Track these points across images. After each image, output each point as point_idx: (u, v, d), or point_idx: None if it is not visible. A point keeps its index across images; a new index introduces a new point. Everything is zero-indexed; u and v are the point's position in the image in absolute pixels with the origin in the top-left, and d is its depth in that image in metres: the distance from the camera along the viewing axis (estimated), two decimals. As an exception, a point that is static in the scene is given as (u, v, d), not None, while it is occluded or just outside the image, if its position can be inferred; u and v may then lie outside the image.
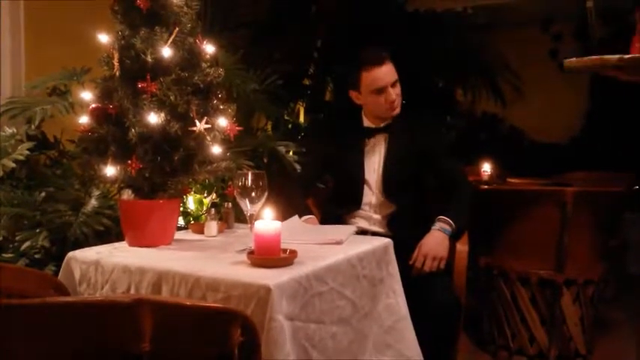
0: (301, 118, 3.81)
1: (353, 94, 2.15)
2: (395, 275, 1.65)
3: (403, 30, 3.51)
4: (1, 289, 1.24)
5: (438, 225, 1.95)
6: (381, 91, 2.06)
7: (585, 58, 1.19)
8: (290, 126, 3.46)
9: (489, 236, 2.64)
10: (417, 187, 2.13)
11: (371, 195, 2.15)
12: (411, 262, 1.89)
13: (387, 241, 1.67)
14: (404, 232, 2.01)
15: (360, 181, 2.15)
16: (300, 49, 3.49)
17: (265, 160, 2.60)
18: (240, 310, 1.07)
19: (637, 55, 1.10)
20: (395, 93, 2.07)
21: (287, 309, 1.20)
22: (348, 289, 1.43)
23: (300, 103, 3.73)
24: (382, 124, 2.16)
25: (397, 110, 2.10)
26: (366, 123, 2.19)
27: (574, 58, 1.22)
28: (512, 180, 3.16)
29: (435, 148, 2.13)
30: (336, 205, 2.22)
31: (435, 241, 1.91)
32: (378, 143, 2.17)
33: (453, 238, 1.98)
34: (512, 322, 2.55)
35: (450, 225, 1.95)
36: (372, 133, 2.17)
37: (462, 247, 2.08)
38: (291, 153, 2.67)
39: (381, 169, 2.13)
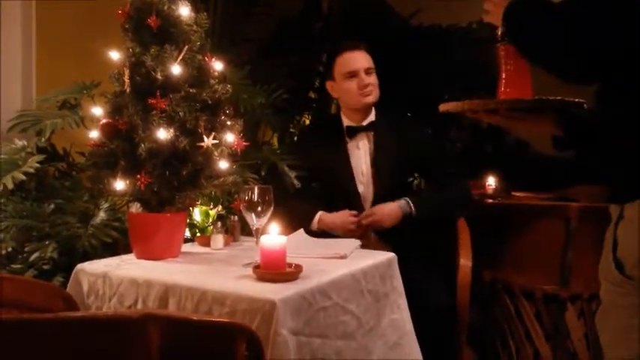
0: (307, 131, 3.84)
1: (329, 84, 2.10)
2: (399, 290, 1.66)
3: (408, 44, 3.54)
4: (11, 301, 1.26)
5: (401, 202, 1.98)
6: (353, 74, 2.01)
7: (456, 103, 1.22)
8: (295, 138, 3.48)
9: (494, 250, 2.64)
10: (412, 190, 2.13)
11: (365, 200, 2.10)
12: (357, 219, 1.95)
13: (391, 255, 1.67)
14: (405, 243, 1.98)
15: (351, 188, 2.08)
16: (306, 63, 3.52)
17: (263, 173, 2.58)
18: (246, 325, 1.09)
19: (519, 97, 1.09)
20: (369, 80, 2.01)
21: (292, 324, 1.21)
22: (353, 304, 1.44)
23: (306, 116, 3.75)
24: (363, 122, 2.08)
25: (371, 98, 2.03)
26: (346, 122, 2.11)
27: (449, 103, 1.26)
28: (517, 194, 3.16)
29: (431, 151, 2.10)
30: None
31: (386, 211, 1.97)
32: (362, 143, 2.09)
33: (410, 220, 2.01)
34: (516, 336, 2.54)
35: (410, 208, 1.98)
36: (353, 132, 2.09)
37: (466, 261, 2.08)
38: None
39: (370, 171, 2.08)
